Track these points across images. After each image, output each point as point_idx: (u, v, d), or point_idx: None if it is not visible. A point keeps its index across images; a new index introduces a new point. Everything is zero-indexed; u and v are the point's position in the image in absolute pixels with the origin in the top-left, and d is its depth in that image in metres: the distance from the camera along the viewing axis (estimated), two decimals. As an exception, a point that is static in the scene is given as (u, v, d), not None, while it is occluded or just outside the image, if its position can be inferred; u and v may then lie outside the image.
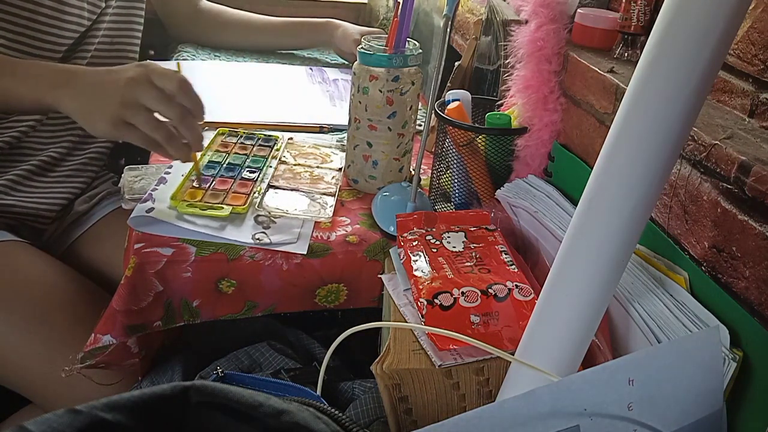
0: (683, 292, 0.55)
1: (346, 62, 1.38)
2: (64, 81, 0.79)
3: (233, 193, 0.83)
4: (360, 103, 0.86)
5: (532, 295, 0.62)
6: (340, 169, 0.93)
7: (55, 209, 1.02)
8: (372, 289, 0.80)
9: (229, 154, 0.93)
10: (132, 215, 0.76)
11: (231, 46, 1.37)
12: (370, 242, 0.79)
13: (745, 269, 0.51)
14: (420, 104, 0.94)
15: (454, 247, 0.71)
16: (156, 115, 0.76)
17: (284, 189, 0.86)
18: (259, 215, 0.80)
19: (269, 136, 1.00)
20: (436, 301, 0.61)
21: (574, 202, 0.72)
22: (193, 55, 1.32)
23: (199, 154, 0.86)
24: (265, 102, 1.15)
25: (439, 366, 0.58)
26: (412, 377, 0.59)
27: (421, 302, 0.63)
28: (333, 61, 1.40)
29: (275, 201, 0.83)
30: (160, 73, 0.75)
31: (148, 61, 0.78)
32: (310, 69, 1.31)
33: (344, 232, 0.80)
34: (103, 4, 1.04)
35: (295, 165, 0.93)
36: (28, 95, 0.81)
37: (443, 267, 0.67)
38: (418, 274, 0.66)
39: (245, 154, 0.93)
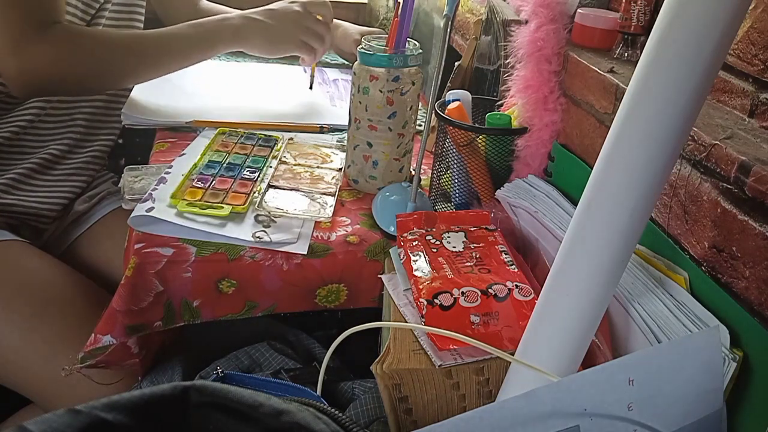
0: (683, 292, 0.55)
1: (346, 62, 1.37)
2: (242, 24, 1.03)
3: (233, 192, 0.83)
4: (360, 103, 0.86)
5: (532, 295, 0.62)
6: (340, 169, 0.93)
7: (55, 209, 1.02)
8: (372, 289, 0.80)
9: (229, 153, 0.93)
10: (132, 215, 0.76)
11: (231, 46, 1.38)
12: (370, 242, 0.79)
13: (745, 269, 0.51)
14: (420, 104, 0.94)
15: (454, 247, 0.71)
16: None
17: (284, 189, 0.86)
18: (259, 215, 0.80)
19: (269, 136, 1.00)
20: (436, 301, 0.61)
21: (574, 202, 0.72)
22: (193, 55, 1.31)
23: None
24: (265, 102, 1.15)
25: (439, 366, 0.58)
26: (412, 377, 0.59)
27: (421, 302, 0.63)
28: (333, 61, 1.40)
29: (275, 201, 0.83)
30: (312, 2, 1.10)
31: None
32: (305, 69, 1.31)
33: (344, 232, 0.80)
34: (97, 5, 1.03)
35: (295, 165, 0.93)
36: (211, 48, 1.02)
37: (443, 267, 0.67)
38: (418, 274, 0.66)
39: (245, 154, 0.93)
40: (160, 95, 1.09)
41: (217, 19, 1.03)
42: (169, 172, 0.86)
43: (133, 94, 1.08)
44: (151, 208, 0.77)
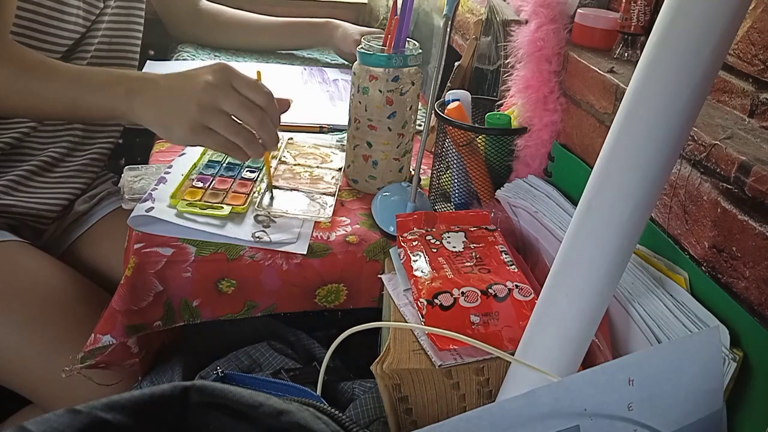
0: (683, 292, 0.55)
1: (346, 62, 1.38)
2: (139, 89, 0.78)
3: (233, 192, 0.83)
4: (360, 103, 0.86)
5: (532, 295, 0.62)
6: (340, 169, 0.93)
7: (55, 209, 1.02)
8: (372, 289, 0.80)
9: (229, 154, 0.93)
10: (132, 215, 0.76)
11: (231, 46, 1.37)
12: (370, 242, 0.79)
13: (745, 269, 0.51)
14: (420, 104, 0.94)
15: (454, 247, 0.71)
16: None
17: (284, 189, 0.86)
18: (258, 215, 0.80)
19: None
20: (436, 301, 0.61)
21: (574, 202, 0.72)
22: (193, 55, 1.32)
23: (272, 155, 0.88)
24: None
25: (439, 366, 0.58)
26: (412, 377, 0.59)
27: (421, 302, 0.63)
28: (333, 61, 1.40)
29: (275, 201, 0.83)
30: (240, 79, 0.75)
31: (223, 63, 0.77)
32: (305, 69, 1.32)
33: (344, 232, 0.80)
34: (101, 5, 1.03)
35: (295, 165, 0.93)
36: (100, 105, 0.80)
37: (443, 267, 0.67)
38: (418, 274, 0.66)
39: (245, 154, 0.93)
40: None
41: (116, 72, 0.83)
42: (169, 172, 0.86)
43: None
44: (151, 208, 0.77)
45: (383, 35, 0.88)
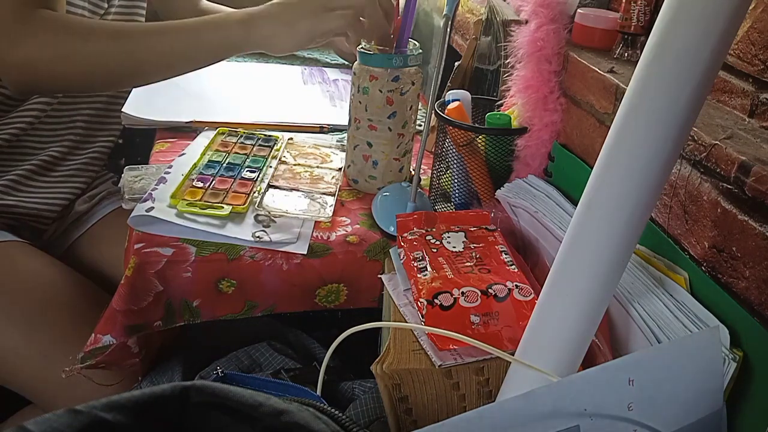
0: (683, 292, 0.55)
1: (346, 62, 1.37)
2: (249, 14, 0.84)
3: (233, 192, 0.83)
4: (360, 103, 0.86)
5: (532, 295, 0.62)
6: (340, 169, 0.93)
7: (55, 209, 1.02)
8: (372, 289, 0.80)
9: (229, 153, 0.93)
10: (132, 215, 0.76)
11: (231, 45, 1.37)
12: (370, 242, 0.79)
13: (745, 269, 0.51)
14: (420, 104, 0.94)
15: (454, 247, 0.71)
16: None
17: (284, 189, 0.86)
18: (258, 215, 0.80)
19: (269, 136, 1.00)
20: (436, 301, 0.61)
21: (574, 202, 0.72)
22: (193, 55, 1.31)
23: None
24: (265, 102, 1.15)
25: (439, 366, 0.58)
26: (412, 377, 0.59)
27: (421, 302, 0.63)
28: (333, 61, 1.40)
29: (275, 201, 0.83)
30: None
31: None
32: (305, 69, 1.32)
33: (344, 232, 0.80)
34: (106, 5, 1.04)
35: (295, 165, 0.93)
36: (217, 44, 0.85)
37: (443, 267, 0.67)
38: (417, 274, 0.66)
39: (245, 154, 0.93)
40: (160, 95, 1.09)
41: (224, 13, 0.91)
42: (169, 172, 0.86)
43: (133, 94, 1.08)
44: (151, 208, 0.77)
45: (383, 35, 0.88)
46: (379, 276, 0.75)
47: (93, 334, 0.73)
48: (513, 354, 0.54)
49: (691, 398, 0.47)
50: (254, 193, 0.84)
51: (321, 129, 1.07)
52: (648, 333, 0.55)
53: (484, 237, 0.73)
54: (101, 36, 0.82)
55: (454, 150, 0.84)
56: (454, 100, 0.84)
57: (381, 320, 0.75)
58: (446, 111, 0.83)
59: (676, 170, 0.58)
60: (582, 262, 0.49)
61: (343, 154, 0.95)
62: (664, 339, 0.53)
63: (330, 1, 0.82)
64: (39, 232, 1.02)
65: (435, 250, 0.70)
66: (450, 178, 0.87)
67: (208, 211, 0.78)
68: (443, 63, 0.78)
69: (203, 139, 0.98)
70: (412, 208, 0.81)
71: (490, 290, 0.62)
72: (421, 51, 0.86)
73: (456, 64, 1.03)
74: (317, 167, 0.93)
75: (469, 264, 0.67)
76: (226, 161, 0.90)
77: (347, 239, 0.79)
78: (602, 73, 0.70)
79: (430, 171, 0.93)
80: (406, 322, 0.64)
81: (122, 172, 0.88)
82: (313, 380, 0.66)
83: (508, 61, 0.82)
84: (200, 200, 0.80)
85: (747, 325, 0.50)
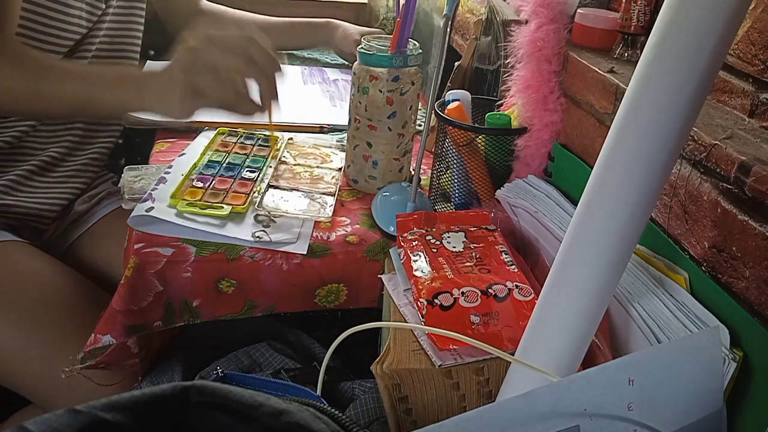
0: (683, 292, 0.55)
1: (346, 62, 1.38)
2: (146, 80, 0.79)
3: (233, 192, 0.83)
4: (360, 103, 0.86)
5: (532, 295, 0.62)
6: (340, 169, 0.93)
7: (55, 209, 1.02)
8: (372, 289, 0.80)
9: (228, 153, 0.93)
10: (132, 215, 0.76)
11: (231, 46, 1.37)
12: (370, 242, 0.79)
13: (745, 269, 0.51)
14: (420, 104, 0.94)
15: (454, 247, 0.71)
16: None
17: (284, 189, 0.86)
18: (258, 215, 0.80)
19: (269, 136, 1.00)
20: (436, 301, 0.61)
21: (574, 202, 0.72)
22: (193, 55, 1.31)
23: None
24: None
25: (439, 366, 0.58)
26: (412, 377, 0.59)
27: (421, 302, 0.63)
28: (333, 61, 1.40)
29: (275, 201, 0.83)
30: (216, 35, 0.74)
31: (209, 31, 0.75)
32: (305, 69, 1.31)
33: (344, 232, 0.80)
34: (104, 6, 1.04)
35: (295, 165, 0.93)
36: (113, 102, 0.80)
37: (443, 267, 0.67)
38: (418, 274, 0.66)
39: (245, 154, 0.93)
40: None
41: (125, 69, 0.84)
42: (169, 172, 0.86)
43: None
44: (151, 208, 0.77)
45: (383, 35, 0.88)
46: (379, 276, 0.75)
47: (93, 334, 0.73)
48: (513, 354, 0.54)
49: (691, 398, 0.47)
50: (254, 193, 0.84)
51: (321, 129, 1.07)
52: (648, 333, 0.55)
53: (484, 237, 0.73)
54: (17, 70, 0.79)
55: (454, 150, 0.84)
56: (454, 100, 0.84)
57: (381, 320, 0.75)
58: (446, 111, 0.83)
59: (676, 170, 0.58)
60: (582, 262, 0.49)
61: (343, 154, 0.95)
62: (664, 339, 0.53)
63: (192, 81, 0.74)
64: (39, 232, 1.02)
65: (435, 250, 0.70)
66: (450, 178, 0.87)
67: (208, 211, 0.78)
68: (443, 63, 0.78)
69: (203, 139, 0.98)
70: (412, 208, 0.81)
71: (490, 290, 0.62)
72: (421, 51, 0.86)
73: (456, 64, 1.03)
74: (317, 167, 0.93)
75: (469, 264, 0.67)
76: (226, 161, 0.90)
77: (347, 239, 0.79)
78: (602, 73, 0.70)
79: (430, 171, 0.93)
80: (406, 322, 0.64)
81: (122, 172, 0.87)
82: (313, 380, 0.66)
83: (508, 61, 0.82)
84: (200, 200, 0.80)
85: (747, 325, 0.50)
